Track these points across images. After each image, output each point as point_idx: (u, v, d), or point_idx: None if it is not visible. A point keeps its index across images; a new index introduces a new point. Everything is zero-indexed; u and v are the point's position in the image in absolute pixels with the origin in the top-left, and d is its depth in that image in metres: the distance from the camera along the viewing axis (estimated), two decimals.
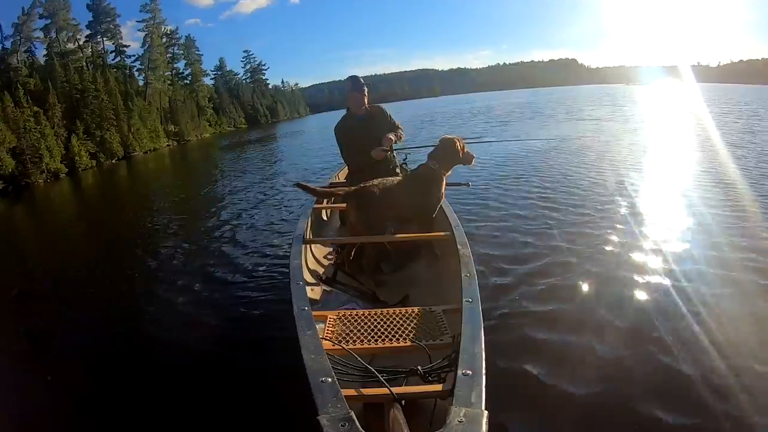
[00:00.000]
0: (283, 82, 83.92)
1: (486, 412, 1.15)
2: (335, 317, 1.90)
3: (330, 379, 1.29)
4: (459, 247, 2.40)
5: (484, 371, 1.34)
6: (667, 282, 3.22)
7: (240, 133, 45.97)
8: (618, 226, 4.46)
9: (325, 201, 3.76)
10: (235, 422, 2.25)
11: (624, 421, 2.01)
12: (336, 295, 2.60)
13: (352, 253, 2.99)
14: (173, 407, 2.44)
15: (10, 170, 22.79)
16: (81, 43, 38.01)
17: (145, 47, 44.31)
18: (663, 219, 4.68)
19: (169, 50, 48.60)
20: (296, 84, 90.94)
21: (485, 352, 1.45)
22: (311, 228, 3.37)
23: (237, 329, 3.30)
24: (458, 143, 2.93)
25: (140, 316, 3.80)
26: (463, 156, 2.95)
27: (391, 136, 3.33)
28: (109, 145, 31.40)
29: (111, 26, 40.58)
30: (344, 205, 3.06)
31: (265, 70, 71.73)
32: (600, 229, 4.40)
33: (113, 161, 31.02)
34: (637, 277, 3.33)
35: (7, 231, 11.50)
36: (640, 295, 3.08)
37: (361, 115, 3.40)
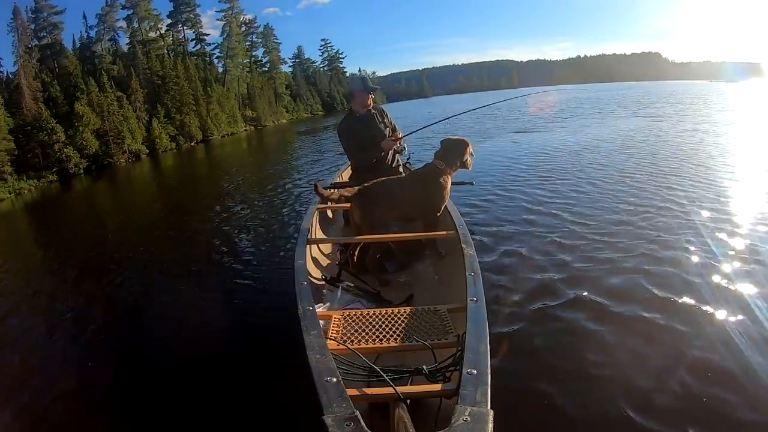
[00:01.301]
0: (360, 70, 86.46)
1: (491, 411, 1.15)
2: (340, 317, 1.92)
3: (335, 379, 1.29)
4: (463, 246, 2.40)
5: (489, 370, 1.34)
6: (675, 295, 2.97)
7: (316, 119, 46.42)
8: (635, 231, 4.15)
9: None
10: (239, 422, 2.25)
11: (628, 424, 1.97)
12: (340, 295, 2.55)
13: (357, 252, 2.98)
14: (177, 404, 2.44)
15: (94, 150, 24.36)
16: (162, 32, 40.04)
17: (224, 36, 45.68)
18: (688, 231, 4.05)
19: (248, 38, 49.98)
20: (374, 72, 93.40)
21: (490, 351, 1.45)
22: (316, 227, 3.41)
23: (241, 328, 3.28)
24: (465, 144, 2.98)
25: (144, 311, 3.97)
26: (468, 159, 3.01)
27: (399, 134, 3.55)
28: (188, 129, 32.68)
29: (191, 15, 42.19)
30: (348, 204, 3.05)
31: (343, 58, 73.81)
32: (614, 236, 4.07)
33: (192, 144, 32.26)
34: (646, 287, 3.10)
35: (88, 205, 13.01)
36: (652, 308, 2.84)
37: (364, 114, 3.50)
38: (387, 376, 1.38)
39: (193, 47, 43.63)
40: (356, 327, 1.81)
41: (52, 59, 27.17)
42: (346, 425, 1.08)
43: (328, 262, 3.21)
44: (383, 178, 2.91)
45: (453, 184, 3.09)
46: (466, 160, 2.98)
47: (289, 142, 24.08)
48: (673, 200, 4.92)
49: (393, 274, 2.96)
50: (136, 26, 35.52)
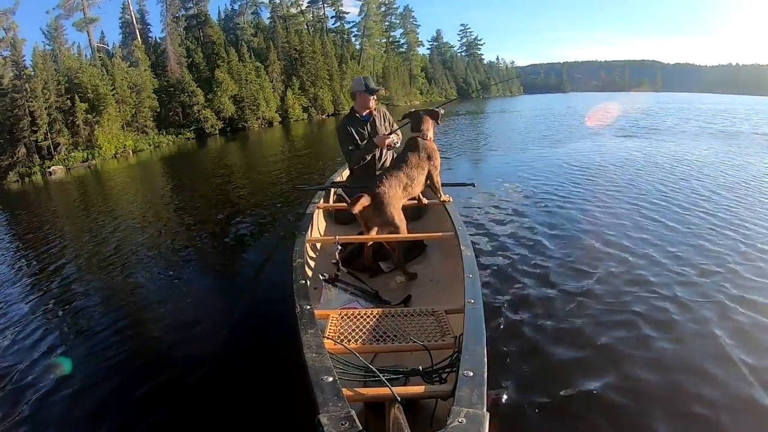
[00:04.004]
0: (498, 58, 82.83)
1: (487, 414, 1.14)
2: (337, 316, 1.86)
3: (331, 378, 1.28)
4: (462, 247, 2.34)
5: (485, 372, 1.32)
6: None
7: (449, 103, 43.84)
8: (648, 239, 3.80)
9: (331, 200, 3.76)
10: (234, 420, 2.16)
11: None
12: (338, 294, 2.50)
13: (355, 251, 2.97)
14: (170, 400, 2.31)
15: (230, 114, 25.12)
16: (303, 8, 41.18)
17: (362, 15, 45.51)
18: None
19: (387, 19, 49.48)
20: (512, 62, 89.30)
21: (487, 353, 1.43)
22: (314, 226, 3.33)
23: (237, 326, 3.08)
24: (422, 113, 3.03)
25: (150, 295, 3.69)
26: (435, 117, 3.05)
27: (394, 136, 3.42)
28: (321, 102, 32.87)
29: None
30: (344, 204, 3.09)
31: (481, 45, 71.47)
32: (622, 242, 3.78)
33: (323, 116, 32.25)
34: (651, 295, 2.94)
35: (213, 163, 13.57)
36: (654, 310, 2.74)
37: (365, 116, 3.41)
38: (383, 376, 1.36)
39: (332, 24, 44.23)
40: (353, 326, 1.76)
41: (197, 28, 29.07)
42: (342, 425, 1.07)
43: (327, 261, 2.99)
44: (386, 174, 2.71)
45: (454, 185, 3.46)
46: (434, 116, 3.01)
47: None
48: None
49: (391, 274, 2.84)
50: (278, 2, 36.73)
